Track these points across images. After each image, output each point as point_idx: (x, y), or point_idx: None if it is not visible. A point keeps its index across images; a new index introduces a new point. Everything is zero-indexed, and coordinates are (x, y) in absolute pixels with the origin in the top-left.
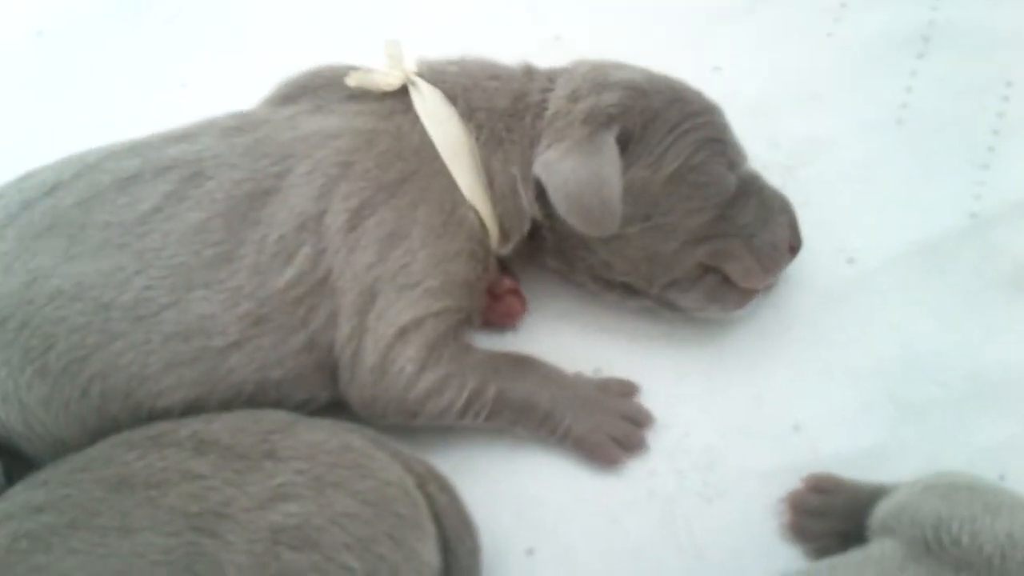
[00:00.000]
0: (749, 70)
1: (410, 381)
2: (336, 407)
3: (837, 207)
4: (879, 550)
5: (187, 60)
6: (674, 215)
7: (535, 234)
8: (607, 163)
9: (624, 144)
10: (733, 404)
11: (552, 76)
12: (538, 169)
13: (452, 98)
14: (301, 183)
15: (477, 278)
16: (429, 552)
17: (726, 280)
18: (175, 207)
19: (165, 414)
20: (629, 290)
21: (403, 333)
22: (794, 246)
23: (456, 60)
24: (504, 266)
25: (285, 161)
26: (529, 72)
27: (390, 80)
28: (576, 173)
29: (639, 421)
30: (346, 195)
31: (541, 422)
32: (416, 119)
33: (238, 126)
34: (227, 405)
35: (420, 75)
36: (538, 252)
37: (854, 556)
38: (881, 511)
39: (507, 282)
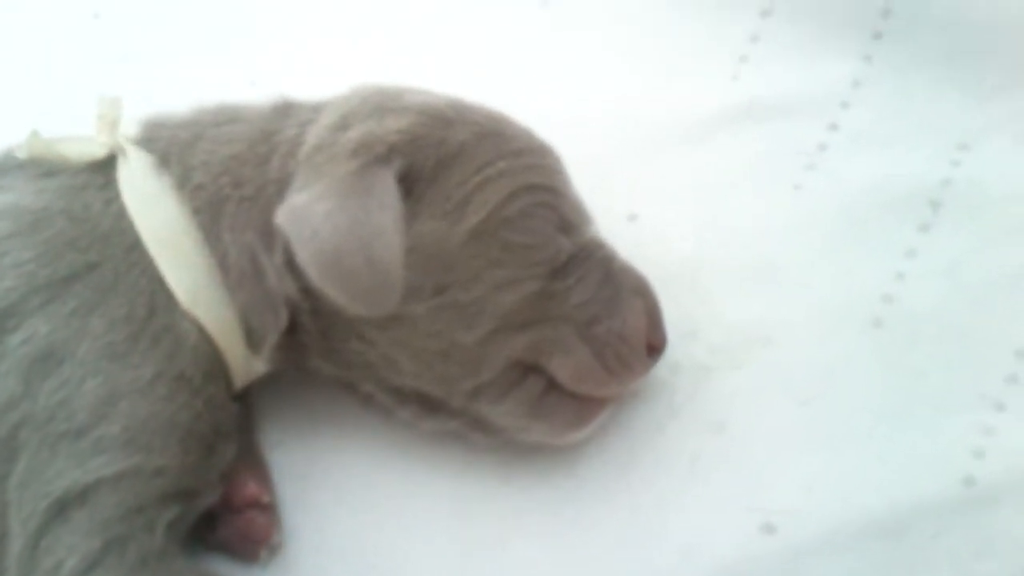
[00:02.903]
0: (674, 221)
1: None
2: None
3: (762, 438)
4: None
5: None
6: (479, 288)
7: (295, 332)
8: (379, 208)
9: (410, 186)
10: None
11: (320, 107)
12: (280, 217)
13: (166, 162)
14: None
15: (196, 420)
16: None
17: (553, 386)
18: None
19: None
20: (426, 404)
21: (62, 509)
22: (655, 344)
23: (190, 112)
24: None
25: None
26: (286, 108)
27: (88, 148)
28: (332, 220)
29: None
30: None
31: None
32: (115, 196)
33: None
34: None
35: (136, 139)
36: (302, 359)
37: None
38: None
39: (250, 487)
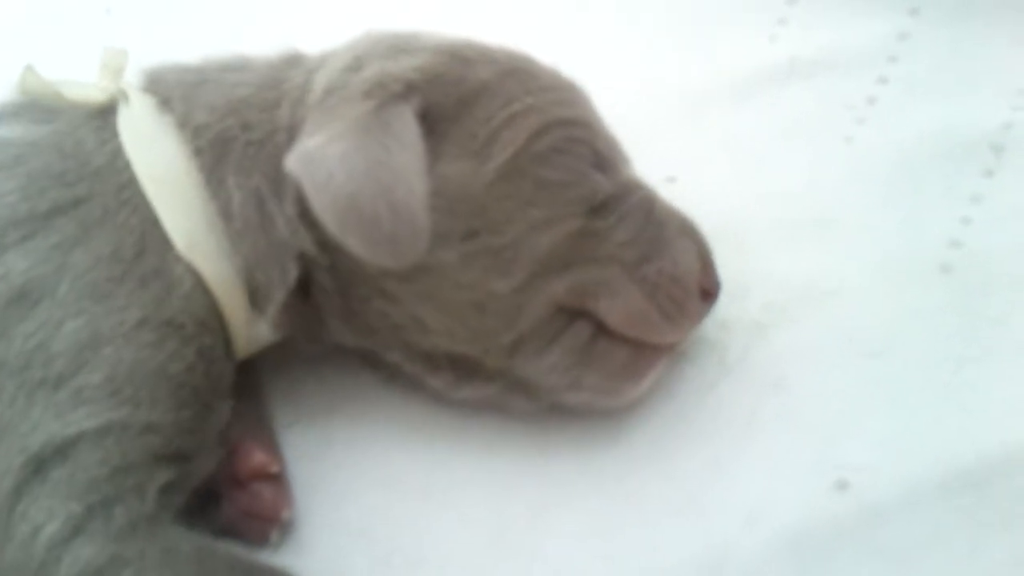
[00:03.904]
0: (717, 180)
1: (49, 555)
2: None
3: (827, 393)
4: None
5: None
6: (513, 230)
7: (310, 291)
8: (400, 149)
9: (432, 125)
10: None
11: (329, 55)
12: (291, 163)
13: (167, 103)
14: None
15: (187, 372)
16: None
17: (603, 331)
18: None
19: None
20: (460, 368)
21: (39, 466)
22: (708, 288)
23: (196, 60)
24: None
25: None
26: (295, 57)
27: (88, 92)
28: (348, 163)
29: None
30: None
31: None
32: (112, 136)
33: None
34: None
35: (139, 86)
36: (320, 326)
37: None
38: None
39: (256, 456)
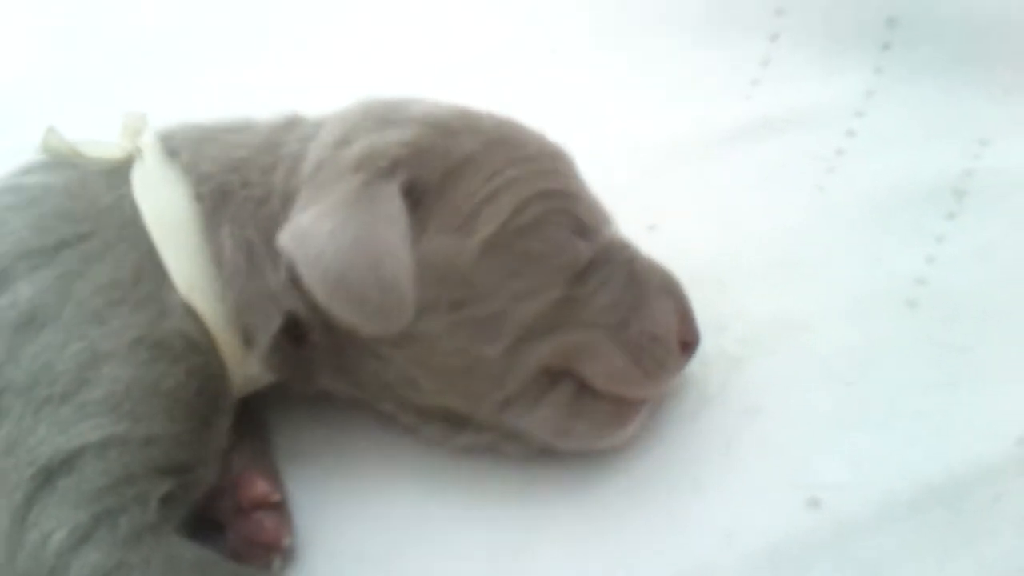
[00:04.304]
0: (696, 227)
1: (59, 562)
2: None
3: (802, 419)
4: None
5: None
6: (497, 301)
7: (304, 344)
8: (385, 223)
9: (418, 199)
10: None
11: (321, 122)
12: (284, 241)
13: (175, 153)
14: None
15: (179, 388)
16: None
17: (585, 389)
18: None
19: None
20: (453, 420)
21: (48, 477)
22: (688, 341)
23: (205, 121)
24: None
25: None
26: (292, 122)
27: (106, 150)
28: (336, 240)
29: None
30: None
31: None
32: (122, 182)
33: None
34: None
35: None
36: (312, 375)
37: None
38: None
39: (259, 486)
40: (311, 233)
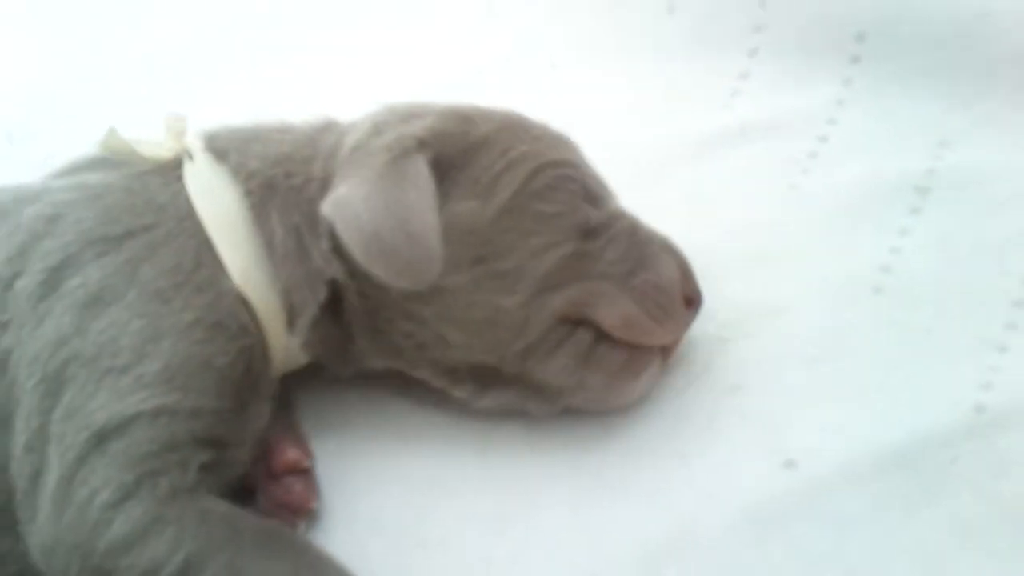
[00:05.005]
0: (682, 222)
1: (103, 516)
2: None
3: (778, 393)
4: None
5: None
6: (516, 255)
7: (342, 316)
8: (413, 189)
9: (442, 173)
10: None
11: (354, 123)
12: (325, 206)
13: (223, 155)
14: None
15: (230, 367)
16: None
17: (602, 337)
18: None
19: None
20: (481, 378)
21: (101, 440)
22: (690, 296)
23: (247, 123)
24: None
25: None
26: (328, 124)
27: (158, 150)
28: (370, 203)
29: None
30: (47, 252)
31: None
32: (175, 181)
33: None
34: None
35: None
36: (350, 347)
37: None
38: None
39: (290, 453)
40: (349, 200)
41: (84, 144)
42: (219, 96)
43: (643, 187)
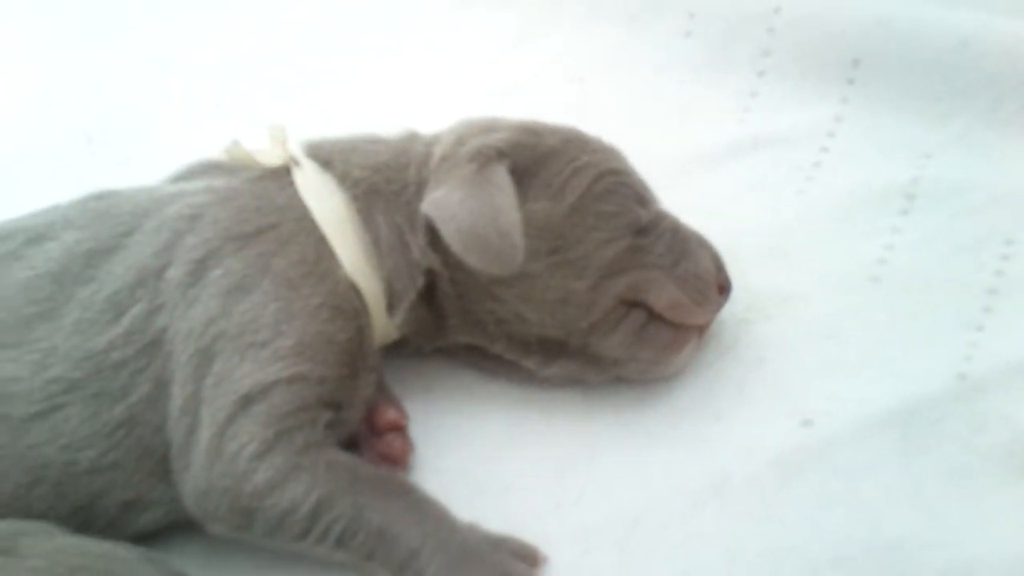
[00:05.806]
0: (702, 224)
1: (249, 465)
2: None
3: (796, 365)
4: None
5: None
6: (583, 247)
7: (434, 299)
8: (499, 192)
9: (519, 178)
10: None
11: (437, 135)
12: (426, 207)
13: (328, 164)
14: (144, 240)
15: (348, 342)
16: None
17: (653, 316)
18: (8, 267)
19: None
20: (548, 350)
21: (246, 403)
22: (722, 284)
23: (342, 135)
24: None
25: (134, 220)
26: (413, 135)
27: (269, 158)
28: (466, 204)
29: None
30: (191, 247)
31: (403, 563)
32: (288, 185)
33: (101, 195)
34: (28, 490)
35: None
36: (441, 325)
37: None
38: None
39: (390, 413)
40: (446, 202)
41: (160, 146)
42: (288, 101)
43: (665, 194)
